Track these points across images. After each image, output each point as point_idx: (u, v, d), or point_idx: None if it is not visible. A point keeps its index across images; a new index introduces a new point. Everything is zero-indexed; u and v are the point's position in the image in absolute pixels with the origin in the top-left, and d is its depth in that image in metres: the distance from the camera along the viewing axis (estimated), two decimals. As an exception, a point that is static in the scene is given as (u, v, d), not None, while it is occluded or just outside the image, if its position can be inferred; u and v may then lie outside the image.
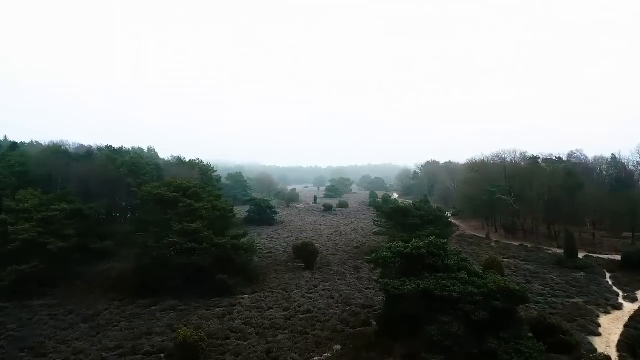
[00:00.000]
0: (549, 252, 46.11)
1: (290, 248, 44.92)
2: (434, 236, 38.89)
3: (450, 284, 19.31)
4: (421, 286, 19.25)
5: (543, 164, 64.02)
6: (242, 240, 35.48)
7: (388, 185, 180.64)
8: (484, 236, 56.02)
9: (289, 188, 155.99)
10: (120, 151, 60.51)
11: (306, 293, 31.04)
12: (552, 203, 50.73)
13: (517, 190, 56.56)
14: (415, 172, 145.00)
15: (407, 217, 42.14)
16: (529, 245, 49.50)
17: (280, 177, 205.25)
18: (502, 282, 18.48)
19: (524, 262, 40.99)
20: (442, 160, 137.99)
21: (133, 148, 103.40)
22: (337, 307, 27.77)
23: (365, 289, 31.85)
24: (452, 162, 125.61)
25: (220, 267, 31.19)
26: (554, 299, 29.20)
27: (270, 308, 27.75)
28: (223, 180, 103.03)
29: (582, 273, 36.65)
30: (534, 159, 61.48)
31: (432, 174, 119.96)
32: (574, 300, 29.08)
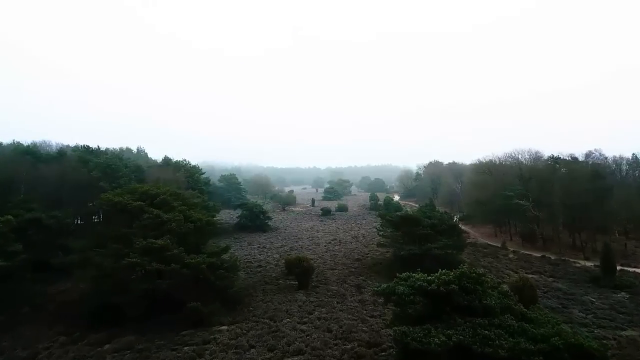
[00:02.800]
0: (577, 265, 40.67)
1: (283, 260, 39.47)
2: (450, 249, 33.79)
3: (494, 334, 13.78)
4: (453, 338, 13.71)
5: (559, 165, 58.48)
6: (223, 256, 29.85)
7: (388, 187, 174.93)
8: (499, 245, 50.44)
9: (286, 190, 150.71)
10: (96, 152, 54.72)
11: (298, 323, 25.46)
12: (576, 208, 45.16)
13: (534, 194, 51.08)
14: (417, 173, 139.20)
15: (416, 226, 36.51)
16: (552, 257, 43.94)
17: (278, 179, 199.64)
18: (572, 337, 12.90)
19: (552, 279, 35.44)
20: (445, 160, 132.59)
21: (121, 148, 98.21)
22: (336, 345, 22.16)
23: (370, 317, 26.28)
24: (456, 163, 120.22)
25: (195, 292, 25.64)
26: (601, 331, 23.68)
27: (253, 347, 22.15)
28: (216, 183, 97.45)
29: (624, 293, 31.25)
30: (554, 159, 55.83)
31: (436, 175, 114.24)
32: (627, 333, 23.58)
